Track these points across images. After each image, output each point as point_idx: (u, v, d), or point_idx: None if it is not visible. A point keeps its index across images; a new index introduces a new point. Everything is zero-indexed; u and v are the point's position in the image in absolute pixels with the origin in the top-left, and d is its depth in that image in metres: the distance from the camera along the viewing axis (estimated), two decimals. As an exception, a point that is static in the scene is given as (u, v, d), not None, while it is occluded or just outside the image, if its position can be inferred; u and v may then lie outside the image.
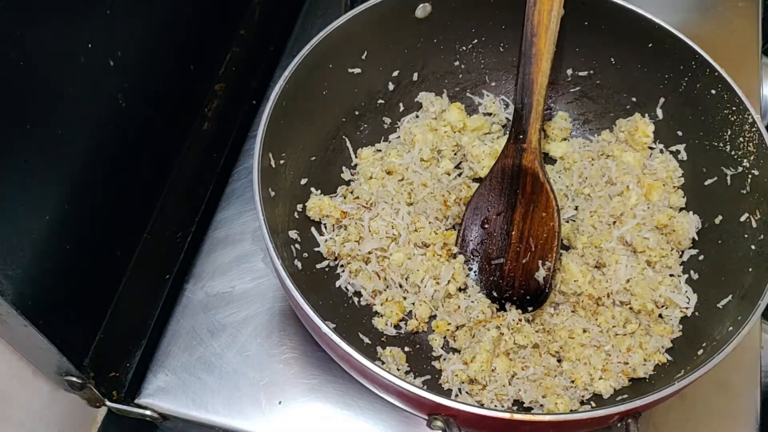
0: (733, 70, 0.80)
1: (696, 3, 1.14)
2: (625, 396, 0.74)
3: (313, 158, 0.86)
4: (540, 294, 0.80)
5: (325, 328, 0.65)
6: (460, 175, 0.91)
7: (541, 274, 0.80)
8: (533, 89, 0.84)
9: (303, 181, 0.84)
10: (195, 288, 0.88)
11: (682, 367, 0.70)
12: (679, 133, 0.87)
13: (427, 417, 0.64)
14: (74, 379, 0.77)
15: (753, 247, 0.74)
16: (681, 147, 0.87)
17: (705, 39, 0.84)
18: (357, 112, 0.91)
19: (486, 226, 0.84)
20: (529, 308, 0.81)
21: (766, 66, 1.05)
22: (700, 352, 0.70)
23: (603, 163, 0.90)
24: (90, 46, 0.70)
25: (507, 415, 0.62)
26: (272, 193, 0.76)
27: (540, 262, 0.80)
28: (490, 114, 0.96)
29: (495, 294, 0.82)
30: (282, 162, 0.79)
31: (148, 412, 0.81)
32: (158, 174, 0.90)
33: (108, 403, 0.80)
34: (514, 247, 0.82)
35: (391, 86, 0.93)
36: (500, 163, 0.85)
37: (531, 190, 0.83)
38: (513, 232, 0.83)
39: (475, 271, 0.83)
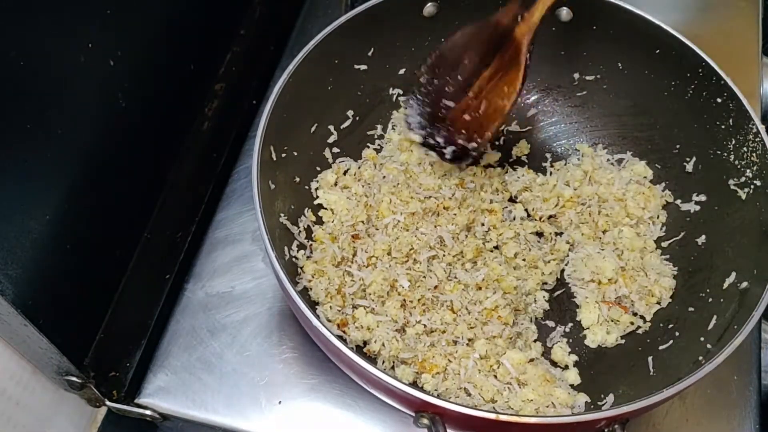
0: (733, 71, 0.80)
1: (696, 3, 1.13)
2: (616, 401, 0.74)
3: (316, 153, 0.86)
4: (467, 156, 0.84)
5: (315, 321, 0.65)
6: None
7: (472, 146, 0.83)
8: None
9: (304, 177, 0.84)
10: (195, 288, 0.88)
11: (675, 375, 0.70)
12: (685, 141, 0.86)
13: (414, 414, 0.64)
14: (74, 378, 0.77)
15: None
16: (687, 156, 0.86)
17: (705, 39, 0.83)
18: (363, 110, 0.91)
19: (455, 64, 0.83)
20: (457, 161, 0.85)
21: (767, 66, 1.05)
22: (691, 364, 0.70)
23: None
24: (90, 46, 0.70)
25: (492, 416, 0.62)
26: (272, 186, 0.76)
27: (475, 135, 0.82)
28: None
29: (429, 138, 0.84)
30: (284, 156, 0.79)
31: (148, 412, 0.81)
32: (158, 174, 0.90)
33: (108, 402, 0.81)
34: (467, 100, 0.83)
35: (397, 84, 0.93)
36: (496, 18, 0.82)
37: (508, 60, 0.82)
38: (474, 85, 0.83)
39: (419, 103, 0.84)
